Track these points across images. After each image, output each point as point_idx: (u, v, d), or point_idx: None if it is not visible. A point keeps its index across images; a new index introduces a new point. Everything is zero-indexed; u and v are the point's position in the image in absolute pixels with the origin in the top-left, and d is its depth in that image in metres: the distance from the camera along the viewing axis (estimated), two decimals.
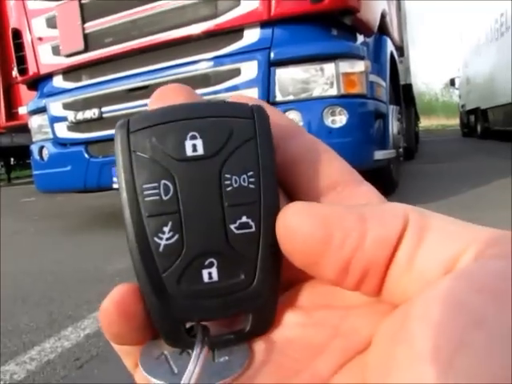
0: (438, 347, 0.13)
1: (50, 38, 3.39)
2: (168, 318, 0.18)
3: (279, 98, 2.75)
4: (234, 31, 2.79)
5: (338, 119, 2.70)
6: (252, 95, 2.44)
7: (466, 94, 13.93)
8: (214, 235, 0.18)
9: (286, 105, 2.74)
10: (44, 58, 3.46)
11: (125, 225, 0.18)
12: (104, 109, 3.21)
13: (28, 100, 4.08)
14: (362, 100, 2.84)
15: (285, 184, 0.20)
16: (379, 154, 3.01)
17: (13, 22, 3.75)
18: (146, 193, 0.18)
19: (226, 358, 0.19)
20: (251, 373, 0.19)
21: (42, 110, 3.58)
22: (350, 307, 0.19)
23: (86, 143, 3.35)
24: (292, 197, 0.20)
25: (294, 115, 2.72)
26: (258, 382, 0.18)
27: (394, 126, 3.53)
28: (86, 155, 3.34)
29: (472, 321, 0.13)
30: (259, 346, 0.19)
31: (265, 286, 0.19)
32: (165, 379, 0.18)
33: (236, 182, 0.18)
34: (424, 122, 24.33)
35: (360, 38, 3.07)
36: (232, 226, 0.18)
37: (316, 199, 0.20)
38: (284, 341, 0.19)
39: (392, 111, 3.57)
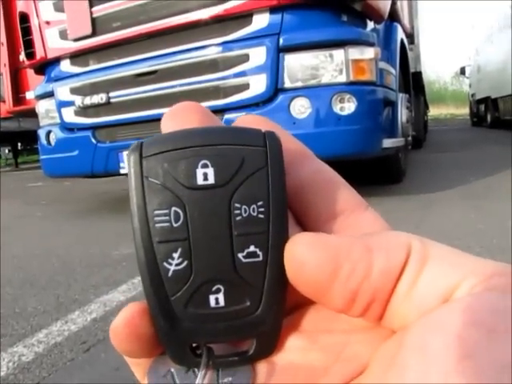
0: (429, 378, 0.14)
1: (57, 22, 3.37)
2: (175, 339, 0.19)
3: (288, 84, 2.72)
4: (242, 16, 2.76)
5: (347, 106, 2.68)
6: (260, 81, 2.42)
7: (477, 83, 13.76)
8: (221, 263, 0.19)
9: (295, 91, 2.72)
10: (51, 42, 3.44)
11: (135, 249, 0.19)
12: (111, 94, 3.20)
13: (35, 85, 4.08)
14: (371, 87, 2.81)
15: (293, 208, 0.21)
16: (388, 142, 2.99)
17: (20, 5, 3.73)
18: (156, 219, 0.18)
19: (230, 378, 0.20)
20: None
21: (49, 95, 3.57)
22: (352, 331, 0.19)
23: (94, 128, 3.35)
24: (300, 221, 0.21)
25: (303, 102, 2.70)
26: None
27: (403, 114, 3.50)
28: (94, 140, 3.34)
29: (464, 354, 0.14)
30: (262, 368, 0.20)
31: (269, 312, 0.19)
32: None
33: (245, 211, 0.18)
34: (433, 111, 24.08)
35: (370, 25, 3.04)
36: (240, 255, 0.19)
37: (323, 225, 0.20)
38: (286, 364, 0.20)
39: (401, 99, 3.53)
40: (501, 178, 3.63)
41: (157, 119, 3.00)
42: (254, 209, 0.18)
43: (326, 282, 0.17)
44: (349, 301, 0.17)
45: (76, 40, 3.28)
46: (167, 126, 0.21)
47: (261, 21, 2.74)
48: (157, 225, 0.18)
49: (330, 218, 0.21)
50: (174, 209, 0.18)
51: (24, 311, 1.71)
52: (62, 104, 3.47)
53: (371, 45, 2.77)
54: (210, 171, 0.18)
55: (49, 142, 3.63)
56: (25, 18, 3.63)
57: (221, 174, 0.18)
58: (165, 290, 0.19)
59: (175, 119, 0.21)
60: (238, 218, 0.18)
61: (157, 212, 0.18)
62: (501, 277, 0.16)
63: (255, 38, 2.75)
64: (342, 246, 0.18)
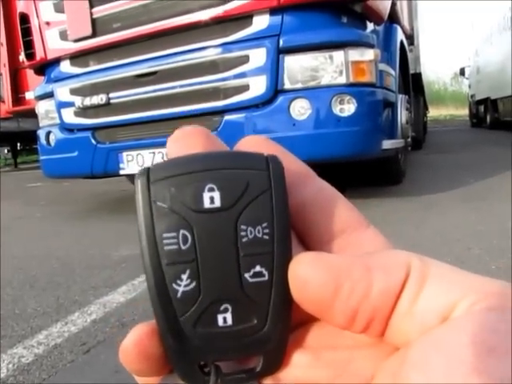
0: None
1: (57, 23, 3.37)
2: (184, 358, 0.20)
3: (287, 85, 2.72)
4: (242, 18, 2.77)
5: (347, 108, 2.68)
6: (260, 82, 2.42)
7: (476, 84, 13.78)
8: (229, 283, 0.19)
9: (295, 92, 2.72)
10: (51, 43, 3.44)
11: (145, 271, 0.19)
12: (111, 94, 3.20)
13: (35, 85, 4.08)
14: (370, 89, 2.81)
15: (296, 228, 0.21)
16: (387, 144, 2.99)
17: (20, 6, 3.73)
18: (165, 242, 0.19)
19: None
20: None
21: (49, 95, 3.57)
22: (356, 347, 0.20)
23: (93, 129, 3.35)
24: (303, 239, 0.22)
25: (303, 103, 2.70)
26: None
27: (402, 116, 3.50)
28: (93, 141, 3.34)
29: (464, 372, 0.15)
30: None
31: (275, 330, 0.20)
32: None
33: (251, 233, 0.19)
34: (432, 112, 24.06)
35: (370, 26, 3.04)
36: (246, 275, 0.19)
37: (325, 243, 0.21)
38: (292, 380, 0.20)
39: (401, 100, 3.53)
40: (501, 179, 3.64)
41: (157, 120, 3.01)
42: (259, 230, 0.19)
43: (328, 300, 0.18)
44: (349, 318, 0.18)
45: (76, 41, 3.28)
46: (172, 150, 0.21)
47: (261, 22, 2.74)
48: (165, 247, 0.19)
49: (332, 236, 0.21)
50: (181, 232, 0.19)
51: (24, 312, 1.71)
52: (61, 105, 3.46)
53: (371, 46, 2.77)
54: (216, 195, 0.19)
55: (48, 143, 3.63)
56: (25, 18, 3.63)
57: (227, 198, 0.19)
58: (174, 311, 0.19)
59: (180, 143, 0.21)
60: (244, 239, 0.19)
61: (165, 235, 0.19)
62: (500, 295, 0.16)
63: (255, 40, 2.75)
64: (342, 265, 0.18)
